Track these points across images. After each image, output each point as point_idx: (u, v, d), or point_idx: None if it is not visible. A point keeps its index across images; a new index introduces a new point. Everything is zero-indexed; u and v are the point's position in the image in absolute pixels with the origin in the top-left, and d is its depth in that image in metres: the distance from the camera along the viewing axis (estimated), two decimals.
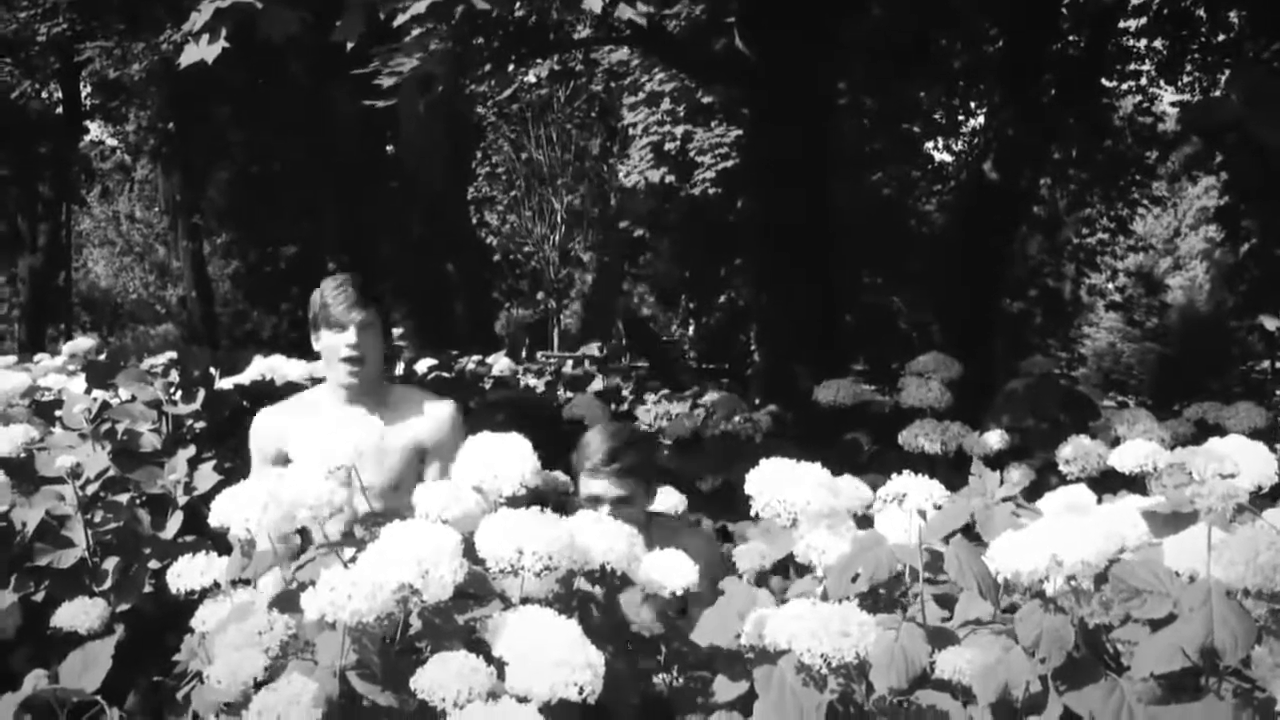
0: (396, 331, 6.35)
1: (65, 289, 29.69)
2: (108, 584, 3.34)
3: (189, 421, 4.19)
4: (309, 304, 3.60)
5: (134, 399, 4.14)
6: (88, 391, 4.35)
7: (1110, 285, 25.60)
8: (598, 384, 6.79)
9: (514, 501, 2.24)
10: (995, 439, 4.24)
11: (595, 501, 3.38)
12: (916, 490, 2.10)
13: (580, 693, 1.82)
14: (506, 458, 2.31)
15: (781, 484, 2.26)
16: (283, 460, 3.48)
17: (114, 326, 39.46)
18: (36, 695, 2.40)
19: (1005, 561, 1.95)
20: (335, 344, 3.50)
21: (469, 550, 2.04)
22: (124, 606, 3.29)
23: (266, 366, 5.26)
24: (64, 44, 17.44)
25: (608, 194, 22.97)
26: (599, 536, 2.20)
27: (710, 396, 6.08)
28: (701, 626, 2.22)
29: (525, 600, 2.10)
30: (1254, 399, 4.88)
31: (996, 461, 3.82)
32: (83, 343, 5.17)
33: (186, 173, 23.88)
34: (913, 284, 20.13)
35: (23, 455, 3.61)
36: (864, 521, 2.42)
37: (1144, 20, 13.68)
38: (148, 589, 3.35)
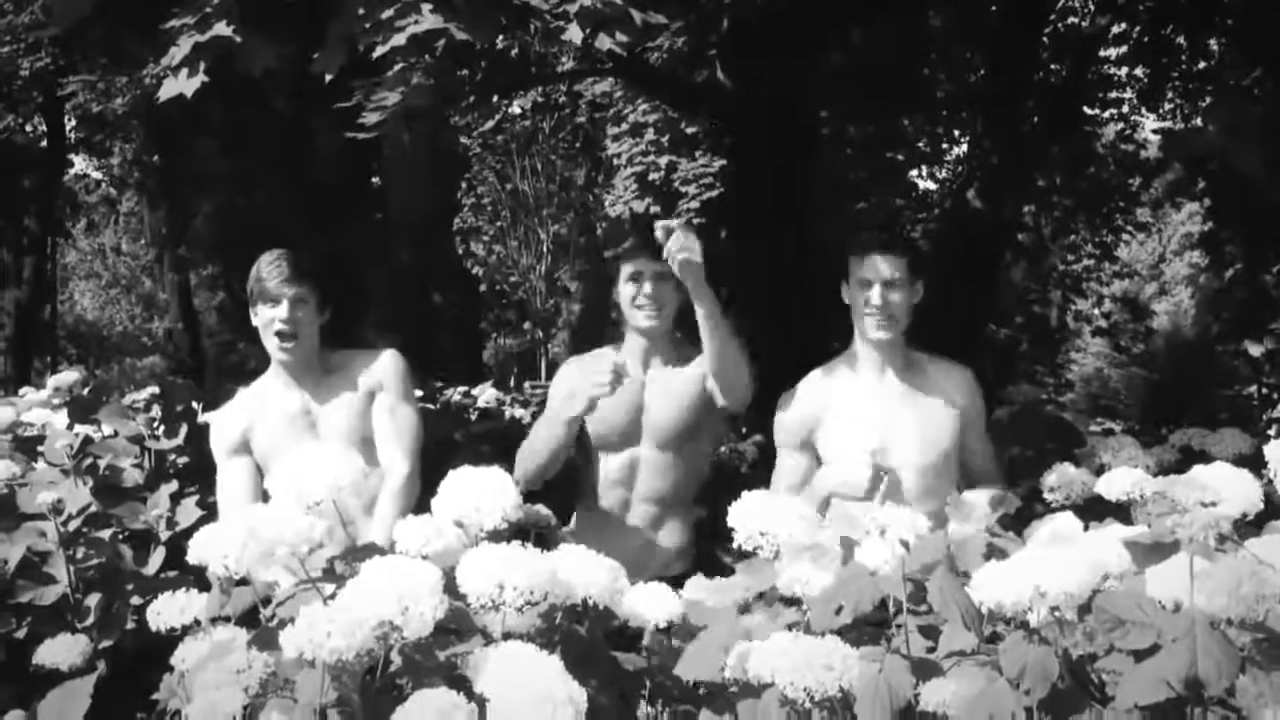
0: None
1: (51, 322, 29.65)
2: (90, 620, 3.33)
3: (172, 456, 4.18)
4: (248, 281, 3.64)
5: (116, 434, 4.13)
6: (70, 426, 4.33)
7: (1096, 311, 25.65)
8: None
9: (495, 536, 2.23)
10: None
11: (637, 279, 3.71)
12: (899, 521, 2.09)
13: None
14: (487, 491, 2.30)
15: (764, 517, 2.26)
16: (246, 449, 3.66)
17: (100, 359, 39.35)
18: None
19: (989, 592, 1.94)
20: (268, 318, 3.57)
21: (450, 586, 2.03)
22: (106, 643, 3.27)
23: None
24: (47, 78, 17.45)
25: (593, 224, 22.99)
26: (581, 570, 2.19)
27: None
28: (685, 660, 2.21)
29: (507, 635, 2.09)
30: (1240, 424, 4.88)
31: None
32: (67, 376, 5.14)
33: (171, 205, 23.87)
34: None
35: (4, 491, 3.60)
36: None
37: (1124, 49, 13.74)
38: (130, 625, 3.33)
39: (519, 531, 2.46)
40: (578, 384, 3.70)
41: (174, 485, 3.84)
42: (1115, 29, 12.49)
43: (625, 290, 3.77)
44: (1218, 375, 24.81)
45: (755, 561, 2.34)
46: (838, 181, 16.09)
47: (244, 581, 2.20)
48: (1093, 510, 3.44)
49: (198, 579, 2.67)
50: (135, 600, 3.37)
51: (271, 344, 3.60)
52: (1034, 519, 3.47)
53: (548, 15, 4.26)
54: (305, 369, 3.65)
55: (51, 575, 3.37)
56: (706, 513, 4.10)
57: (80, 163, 29.14)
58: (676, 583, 2.41)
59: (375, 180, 19.34)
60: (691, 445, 3.83)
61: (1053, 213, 18.68)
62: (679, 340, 3.89)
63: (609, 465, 3.85)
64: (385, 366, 3.71)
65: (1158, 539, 1.88)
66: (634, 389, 3.81)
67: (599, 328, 23.98)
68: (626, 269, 3.76)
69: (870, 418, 3.62)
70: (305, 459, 2.30)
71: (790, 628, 2.17)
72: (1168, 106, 16.27)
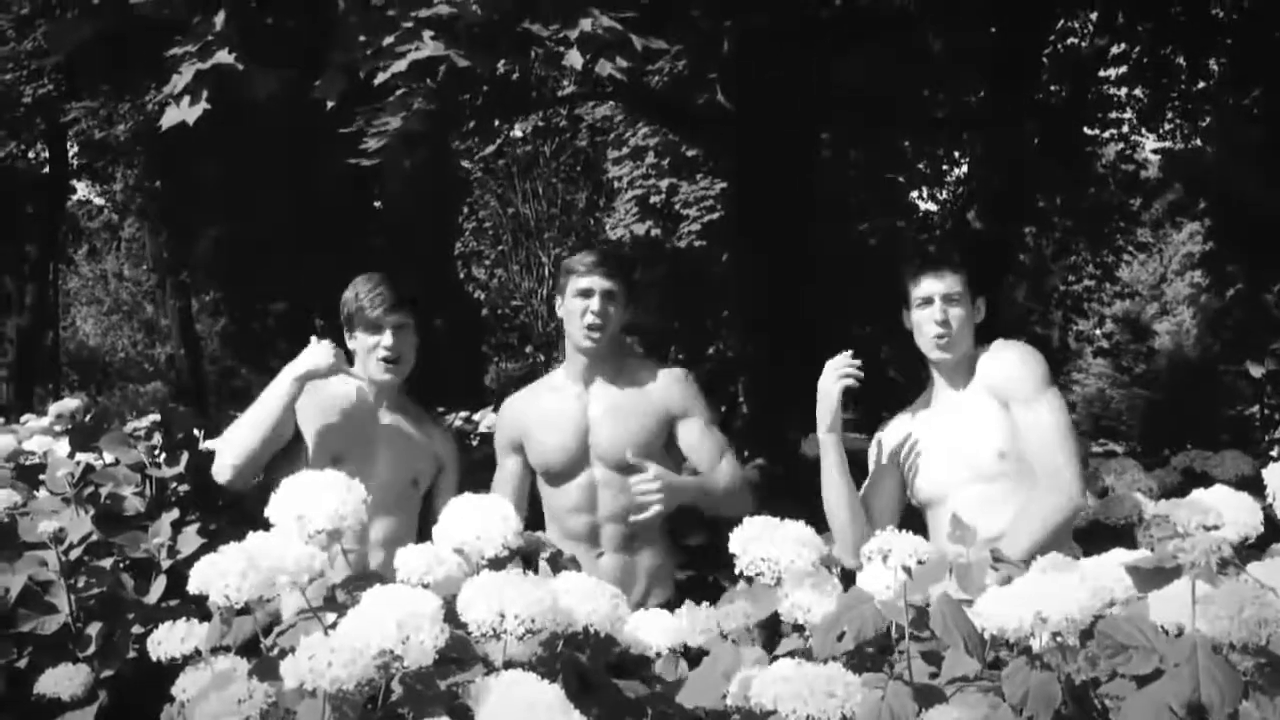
0: None
1: (53, 348, 29.64)
2: (91, 650, 3.31)
3: (173, 484, 4.17)
4: (342, 302, 3.77)
5: (117, 462, 4.12)
6: (71, 454, 4.33)
7: (1098, 332, 25.66)
8: None
9: (496, 563, 2.23)
10: None
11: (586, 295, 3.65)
12: (901, 546, 2.09)
13: None
14: (488, 519, 2.29)
15: (765, 542, 2.26)
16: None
17: (103, 385, 39.34)
18: None
19: (991, 618, 1.93)
20: (370, 344, 3.69)
21: (451, 614, 2.02)
22: (107, 673, 3.25)
23: None
24: (50, 105, 17.47)
25: (594, 247, 23.01)
26: (582, 598, 2.18)
27: None
28: (688, 688, 2.21)
29: (509, 664, 2.08)
30: (1242, 445, 4.88)
31: None
32: (69, 403, 5.13)
33: (174, 231, 23.89)
34: (901, 333, 20.04)
35: (5, 520, 3.59)
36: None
37: (1124, 69, 13.79)
38: (131, 655, 3.32)
39: (524, 559, 2.46)
40: (521, 420, 3.82)
41: (175, 513, 3.83)
42: (1115, 49, 12.55)
43: (572, 305, 3.71)
44: (1219, 396, 24.76)
45: (757, 587, 2.33)
46: (839, 203, 16.11)
47: (245, 610, 2.19)
48: (1093, 533, 3.45)
49: (199, 608, 2.66)
50: (136, 629, 3.36)
51: (376, 369, 3.71)
52: None
53: (548, 41, 4.28)
54: (393, 391, 3.79)
55: (53, 604, 3.36)
56: (705, 539, 4.09)
57: (82, 189, 29.24)
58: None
59: (377, 205, 19.37)
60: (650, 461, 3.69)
61: (1053, 233, 18.71)
62: (625, 350, 3.85)
63: (566, 491, 3.76)
64: (453, 450, 3.92)
65: (1160, 563, 1.87)
66: (575, 409, 3.76)
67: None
68: (577, 283, 3.70)
69: (919, 450, 3.57)
70: (307, 487, 2.29)
71: (791, 654, 2.16)
72: (1167, 127, 16.31)
